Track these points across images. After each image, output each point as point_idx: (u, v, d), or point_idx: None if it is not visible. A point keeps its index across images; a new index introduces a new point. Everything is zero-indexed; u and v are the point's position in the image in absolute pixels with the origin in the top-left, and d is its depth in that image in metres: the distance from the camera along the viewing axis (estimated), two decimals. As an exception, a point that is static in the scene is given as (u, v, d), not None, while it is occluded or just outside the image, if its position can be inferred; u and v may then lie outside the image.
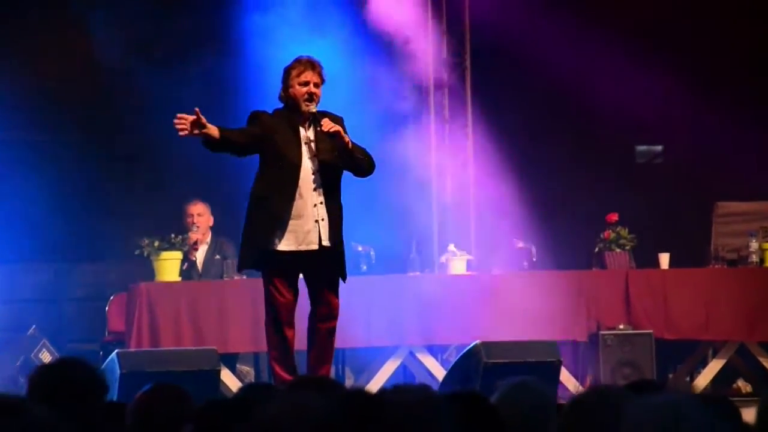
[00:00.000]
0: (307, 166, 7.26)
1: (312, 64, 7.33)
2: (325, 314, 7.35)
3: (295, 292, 7.35)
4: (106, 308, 10.09)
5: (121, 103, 10.82)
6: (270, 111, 7.37)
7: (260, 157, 7.33)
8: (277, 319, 7.30)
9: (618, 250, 9.97)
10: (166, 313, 9.01)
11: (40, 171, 10.65)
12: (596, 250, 10.05)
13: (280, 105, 7.42)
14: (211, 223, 9.88)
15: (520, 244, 9.94)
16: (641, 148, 12.43)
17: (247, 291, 8.96)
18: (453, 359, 9.20)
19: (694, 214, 10.88)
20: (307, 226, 7.24)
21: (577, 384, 9.54)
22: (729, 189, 10.85)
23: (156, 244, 9.13)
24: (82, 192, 10.73)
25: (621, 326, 9.57)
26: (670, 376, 9.98)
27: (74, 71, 10.86)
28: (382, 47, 10.66)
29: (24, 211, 10.31)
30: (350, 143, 7.27)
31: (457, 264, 9.84)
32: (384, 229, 9.94)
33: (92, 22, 10.50)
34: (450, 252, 9.97)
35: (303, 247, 7.25)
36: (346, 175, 7.43)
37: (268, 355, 7.50)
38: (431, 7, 11.16)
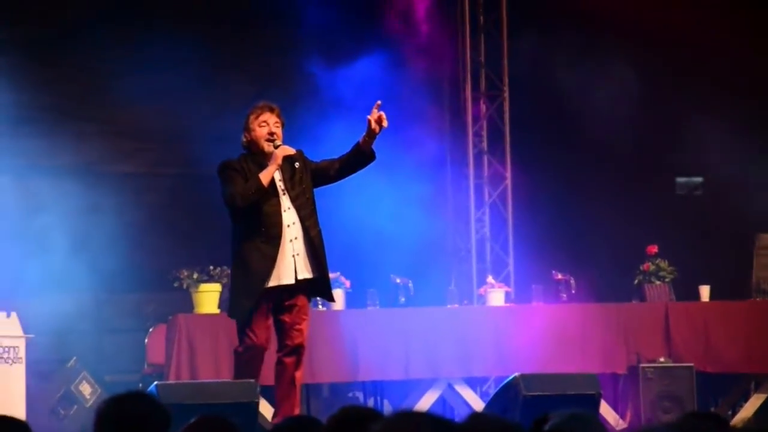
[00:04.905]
0: (281, 204, 7.38)
1: (270, 107, 7.51)
2: (295, 344, 7.38)
3: (269, 333, 7.41)
4: (146, 340, 10.10)
5: (158, 135, 10.88)
6: (235, 158, 7.48)
7: None
8: (252, 360, 7.37)
9: (658, 282, 9.91)
10: (204, 344, 9.01)
11: (80, 203, 10.69)
12: (636, 282, 10.00)
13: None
14: None
15: (559, 276, 9.90)
16: (681, 179, 12.38)
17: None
18: (492, 391, 9.16)
19: (734, 246, 10.81)
20: (285, 261, 7.32)
21: (617, 417, 9.48)
22: (770, 221, 10.78)
23: (195, 276, 9.14)
24: (121, 224, 10.77)
25: (661, 359, 9.50)
26: (712, 409, 9.90)
27: (114, 106, 10.94)
28: (420, 81, 10.68)
29: (63, 243, 10.35)
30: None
31: (496, 296, 9.81)
32: (422, 261, 9.91)
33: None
34: (488, 284, 9.95)
35: (284, 282, 7.34)
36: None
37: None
38: (469, 39, 11.18)
